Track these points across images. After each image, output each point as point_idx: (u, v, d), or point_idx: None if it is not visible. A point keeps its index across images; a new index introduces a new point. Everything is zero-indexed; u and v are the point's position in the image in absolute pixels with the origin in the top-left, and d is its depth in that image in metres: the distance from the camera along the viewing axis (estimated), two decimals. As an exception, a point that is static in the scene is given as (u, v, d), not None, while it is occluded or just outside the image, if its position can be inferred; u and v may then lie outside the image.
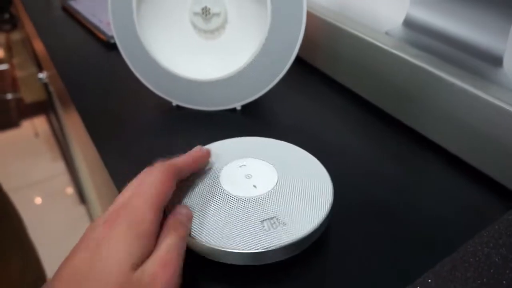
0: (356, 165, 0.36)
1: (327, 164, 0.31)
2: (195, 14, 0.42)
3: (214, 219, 0.26)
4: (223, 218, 0.26)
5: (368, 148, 0.39)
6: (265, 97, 0.42)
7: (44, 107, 1.85)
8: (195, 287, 0.26)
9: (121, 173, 0.35)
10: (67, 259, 0.21)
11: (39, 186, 1.65)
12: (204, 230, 0.26)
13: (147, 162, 0.26)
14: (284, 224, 0.26)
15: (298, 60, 0.50)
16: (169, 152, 0.29)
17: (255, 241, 0.25)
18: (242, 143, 0.34)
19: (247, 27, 0.42)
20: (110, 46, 0.57)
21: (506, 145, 0.32)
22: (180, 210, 0.26)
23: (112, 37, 0.57)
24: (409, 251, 0.28)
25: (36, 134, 1.93)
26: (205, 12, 0.42)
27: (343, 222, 0.30)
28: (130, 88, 0.47)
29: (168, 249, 0.22)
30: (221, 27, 0.43)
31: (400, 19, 0.43)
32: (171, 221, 0.24)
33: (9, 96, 2.08)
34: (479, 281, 0.20)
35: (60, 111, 1.08)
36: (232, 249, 0.25)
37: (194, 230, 0.26)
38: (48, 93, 1.23)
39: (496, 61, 0.35)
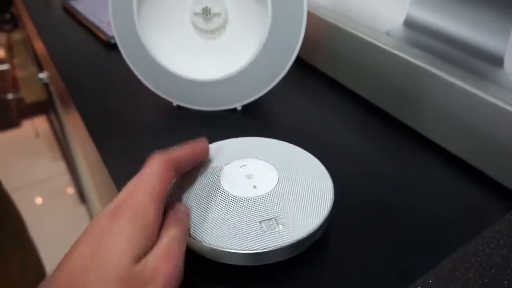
0: (356, 165, 0.36)
1: (327, 164, 0.31)
2: (196, 14, 0.42)
3: (213, 218, 0.26)
4: (222, 218, 0.26)
5: (368, 148, 0.39)
6: (266, 97, 0.42)
7: (44, 107, 1.85)
8: (195, 287, 0.26)
9: (121, 173, 0.35)
10: (70, 252, 0.21)
11: (39, 186, 1.65)
12: (203, 229, 0.26)
13: (147, 162, 0.26)
14: (283, 225, 0.26)
15: (298, 60, 0.50)
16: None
17: (254, 242, 0.25)
18: (242, 143, 0.34)
19: (248, 27, 0.42)
20: (111, 46, 0.57)
21: (506, 145, 0.32)
22: (179, 207, 0.26)
23: (112, 37, 0.57)
24: (409, 251, 0.28)
25: (37, 134, 1.93)
26: (206, 12, 0.42)
27: (343, 222, 0.30)
28: (131, 88, 0.47)
29: (170, 241, 0.22)
30: (221, 27, 0.43)
31: (401, 19, 0.43)
32: (171, 216, 0.24)
33: (10, 96, 2.08)
34: (480, 282, 0.20)
35: (60, 111, 1.08)
36: (230, 249, 0.25)
37: (194, 230, 0.26)
38: (49, 93, 1.23)
39: (497, 61, 0.35)
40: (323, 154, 0.32)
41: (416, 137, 0.39)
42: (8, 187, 0.67)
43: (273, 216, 0.26)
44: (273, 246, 0.25)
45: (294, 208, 0.27)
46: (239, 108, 0.43)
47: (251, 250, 0.25)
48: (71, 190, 1.63)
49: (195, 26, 0.43)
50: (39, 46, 0.68)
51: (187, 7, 0.42)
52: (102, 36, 0.59)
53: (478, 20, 0.36)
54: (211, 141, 0.34)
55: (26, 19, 0.76)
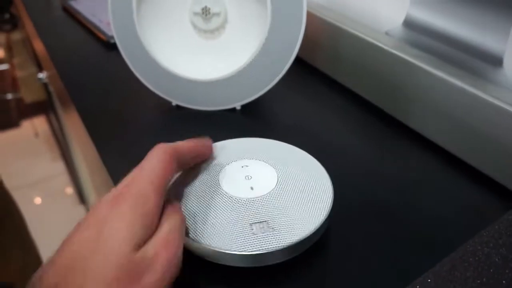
0: (356, 165, 0.36)
1: (327, 164, 0.31)
2: (195, 14, 0.42)
3: (210, 218, 0.26)
4: (219, 218, 0.26)
5: (368, 148, 0.39)
6: (265, 97, 0.42)
7: (44, 107, 1.85)
8: (194, 287, 0.26)
9: (120, 173, 0.34)
10: (69, 238, 0.21)
11: (38, 186, 1.65)
12: (200, 229, 0.26)
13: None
14: (278, 227, 0.26)
15: (298, 60, 0.50)
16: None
17: (249, 243, 0.25)
18: (243, 144, 0.34)
19: (247, 27, 0.42)
20: (110, 46, 0.57)
21: (506, 145, 0.32)
22: (174, 200, 0.26)
23: (112, 37, 0.57)
24: (409, 251, 0.28)
25: (36, 134, 1.93)
26: (205, 12, 0.42)
27: (343, 222, 0.30)
28: (130, 88, 0.47)
29: (170, 229, 0.22)
30: (221, 27, 0.43)
31: (400, 19, 0.43)
32: (170, 205, 0.24)
33: (9, 96, 2.08)
34: (478, 281, 0.20)
35: (60, 111, 1.08)
36: (225, 250, 0.25)
37: (191, 229, 0.26)
38: (48, 93, 1.23)
39: (496, 61, 0.35)
40: (323, 154, 0.32)
41: (416, 137, 0.39)
42: (8, 187, 0.67)
43: (267, 219, 0.26)
44: (271, 248, 0.25)
45: (293, 210, 0.27)
46: (238, 108, 0.43)
47: (245, 252, 0.25)
48: (70, 190, 1.63)
49: (195, 26, 0.43)
50: (38, 46, 0.68)
51: (186, 7, 0.42)
52: (101, 36, 0.59)
53: (477, 20, 0.36)
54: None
55: (26, 19, 0.76)
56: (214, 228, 0.26)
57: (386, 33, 0.44)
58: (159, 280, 0.20)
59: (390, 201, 0.32)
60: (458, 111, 0.35)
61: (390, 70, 0.40)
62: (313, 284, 0.26)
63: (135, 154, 0.24)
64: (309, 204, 0.27)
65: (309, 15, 0.46)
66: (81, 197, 1.49)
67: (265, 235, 0.25)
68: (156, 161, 0.24)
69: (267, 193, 0.28)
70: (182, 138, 0.28)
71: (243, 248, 0.25)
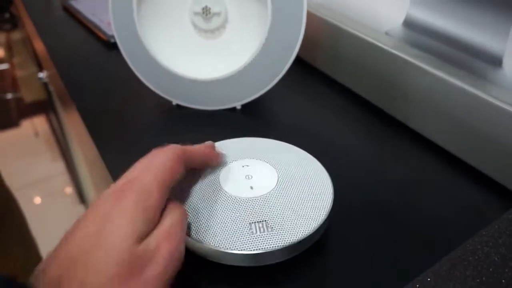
0: (356, 165, 0.36)
1: (327, 164, 0.31)
2: (196, 13, 0.42)
3: (210, 217, 0.26)
4: (219, 218, 0.26)
5: (369, 148, 0.39)
6: (265, 96, 0.42)
7: (44, 107, 1.85)
8: (195, 287, 0.26)
9: (121, 173, 0.35)
10: (71, 232, 0.21)
11: (38, 185, 1.65)
12: (201, 228, 0.26)
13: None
14: (277, 227, 0.26)
15: (298, 60, 0.50)
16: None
17: (248, 243, 0.25)
18: (243, 143, 0.34)
19: (248, 27, 0.42)
20: (111, 46, 0.57)
21: (506, 145, 0.32)
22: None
23: (112, 36, 0.57)
24: (409, 251, 0.28)
25: (36, 134, 1.93)
26: (206, 12, 0.42)
27: (343, 222, 0.30)
28: (131, 87, 0.47)
29: (172, 223, 0.22)
30: (221, 27, 0.43)
31: (400, 19, 0.43)
32: (172, 200, 0.24)
33: (9, 95, 2.08)
34: (478, 280, 0.20)
35: (60, 110, 1.08)
36: (226, 249, 0.25)
37: (192, 229, 0.26)
38: (48, 92, 1.23)
39: (496, 61, 0.35)
40: (323, 154, 0.32)
41: (416, 137, 0.39)
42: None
43: (267, 219, 0.26)
44: (271, 247, 0.25)
45: (293, 209, 0.27)
46: (238, 107, 0.43)
47: (245, 251, 0.25)
48: (70, 190, 1.63)
49: (195, 26, 0.43)
50: (38, 46, 0.68)
51: (187, 6, 0.42)
52: (102, 35, 0.59)
53: (477, 20, 0.36)
54: (211, 140, 0.34)
55: (26, 18, 0.76)
56: (214, 228, 0.26)
57: (386, 33, 0.44)
58: (161, 273, 0.20)
59: (390, 201, 0.32)
60: (458, 111, 0.35)
61: (390, 70, 0.40)
62: (313, 284, 0.26)
63: (135, 153, 0.24)
64: (309, 203, 0.27)
65: (309, 15, 0.46)
66: (81, 196, 1.49)
67: (265, 234, 0.25)
68: (164, 159, 0.24)
69: (268, 192, 0.28)
70: (182, 137, 0.28)
71: (243, 248, 0.25)
